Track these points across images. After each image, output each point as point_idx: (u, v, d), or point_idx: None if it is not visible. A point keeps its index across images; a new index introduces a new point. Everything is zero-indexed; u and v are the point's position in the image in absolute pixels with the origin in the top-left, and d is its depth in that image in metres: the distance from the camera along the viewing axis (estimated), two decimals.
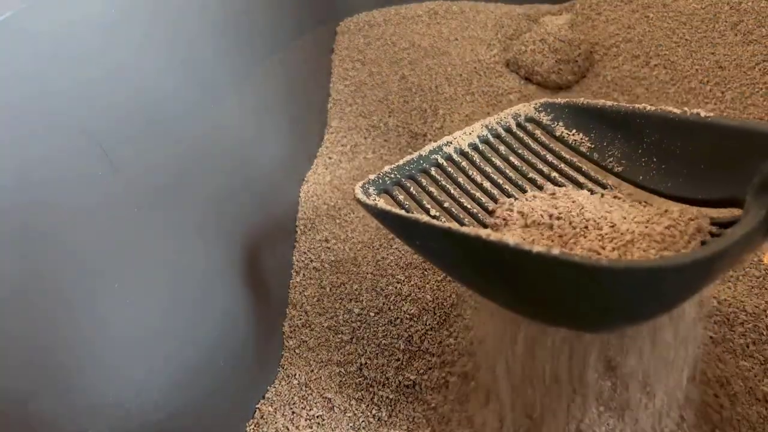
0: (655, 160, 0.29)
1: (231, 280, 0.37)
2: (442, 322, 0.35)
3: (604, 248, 0.24)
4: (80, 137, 0.29)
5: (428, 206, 0.30)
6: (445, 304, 0.36)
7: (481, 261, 0.22)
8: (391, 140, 0.51)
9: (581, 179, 0.31)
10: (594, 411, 0.29)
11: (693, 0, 0.53)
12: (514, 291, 0.23)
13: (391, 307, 0.36)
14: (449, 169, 0.32)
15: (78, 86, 0.29)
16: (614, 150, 0.31)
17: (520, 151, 0.33)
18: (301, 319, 0.39)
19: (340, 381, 0.36)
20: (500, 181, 0.31)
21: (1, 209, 0.25)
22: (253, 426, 0.34)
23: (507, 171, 0.32)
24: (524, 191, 0.30)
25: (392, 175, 0.31)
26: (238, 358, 0.36)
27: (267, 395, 0.35)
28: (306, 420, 0.34)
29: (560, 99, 0.34)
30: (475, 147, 0.33)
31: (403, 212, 0.26)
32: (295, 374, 0.36)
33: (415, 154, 0.32)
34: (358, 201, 0.28)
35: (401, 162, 0.32)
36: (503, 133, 0.34)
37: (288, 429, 0.34)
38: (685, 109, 0.27)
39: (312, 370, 0.37)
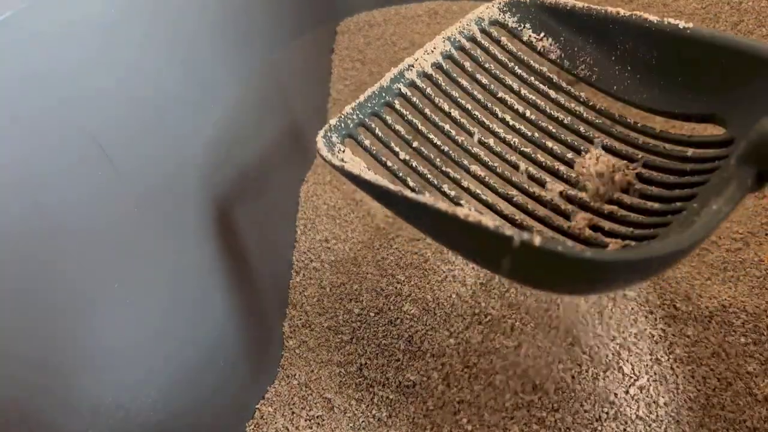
0: (629, 68, 0.27)
1: (231, 280, 0.37)
2: (442, 322, 0.35)
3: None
4: (80, 136, 0.29)
5: (397, 148, 0.29)
6: (445, 304, 0.36)
7: (458, 233, 0.21)
8: None
9: (552, 93, 0.29)
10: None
11: (693, 0, 0.53)
12: (491, 262, 0.22)
13: (391, 307, 0.36)
14: (414, 98, 0.30)
15: (77, 86, 0.29)
16: (586, 56, 0.29)
17: (487, 65, 0.31)
18: (301, 319, 0.39)
19: (340, 381, 0.36)
20: (469, 106, 0.29)
21: (2, 207, 0.25)
22: (252, 426, 0.34)
23: (475, 92, 0.30)
24: (496, 116, 0.29)
25: (354, 116, 0.29)
26: (237, 358, 0.36)
27: (267, 395, 0.35)
28: (306, 420, 0.34)
29: None
30: (438, 66, 0.31)
31: (371, 177, 0.24)
32: (295, 374, 0.36)
33: (376, 86, 0.30)
34: (323, 159, 0.26)
35: (362, 98, 0.30)
36: (467, 44, 0.31)
37: (288, 429, 0.34)
38: (664, 18, 0.26)
39: (312, 371, 0.37)
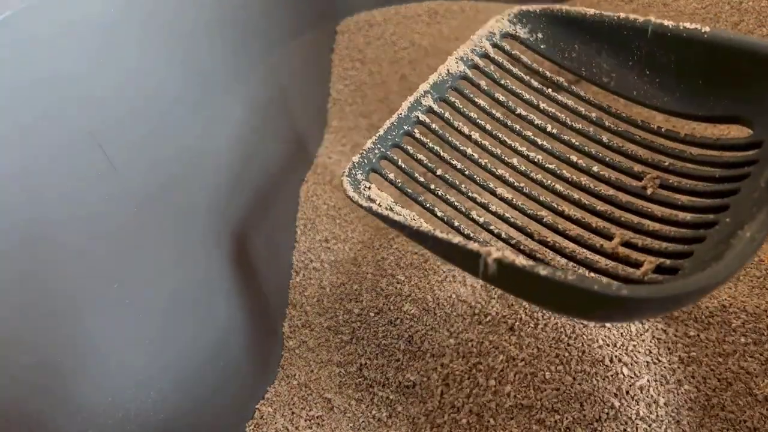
0: (647, 72, 0.27)
1: (231, 281, 0.37)
2: (442, 322, 0.35)
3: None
4: (80, 137, 0.29)
5: (421, 178, 0.29)
6: (445, 304, 0.36)
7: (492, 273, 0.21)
8: None
9: (571, 103, 0.29)
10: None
11: (693, 0, 0.53)
12: (519, 292, 0.23)
13: (391, 308, 0.36)
14: (433, 125, 0.29)
15: (77, 86, 0.29)
16: (602, 63, 0.29)
17: (503, 81, 0.30)
18: (301, 319, 0.39)
19: (340, 381, 0.36)
20: (489, 126, 0.29)
21: (0, 209, 0.25)
22: (252, 426, 0.34)
23: (494, 111, 0.29)
24: (518, 133, 0.29)
25: (376, 150, 0.29)
26: (238, 359, 0.36)
27: (267, 395, 0.35)
28: (306, 420, 0.34)
29: (535, 6, 0.31)
30: (455, 89, 0.31)
31: (400, 218, 0.24)
32: (295, 374, 0.36)
33: (394, 117, 0.30)
34: (351, 200, 0.26)
35: (381, 131, 0.29)
36: (481, 62, 0.31)
37: (288, 429, 0.34)
38: (680, 23, 0.26)
39: (312, 371, 0.37)
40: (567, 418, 0.28)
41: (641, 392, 0.28)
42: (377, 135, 0.29)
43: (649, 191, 0.25)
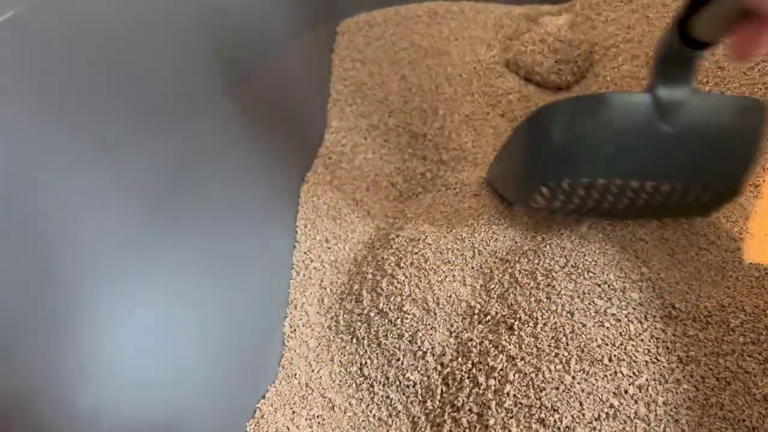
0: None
1: (231, 280, 0.37)
2: (442, 322, 0.35)
3: None
4: (80, 135, 0.29)
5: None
6: (445, 304, 0.36)
7: None
8: (391, 140, 0.51)
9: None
10: None
11: None
12: None
13: (392, 307, 0.37)
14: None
15: (78, 85, 0.29)
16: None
17: None
18: (301, 319, 0.39)
19: (341, 381, 0.36)
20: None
21: (3, 210, 0.25)
22: (253, 425, 0.34)
23: None
24: None
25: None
26: (238, 358, 0.36)
27: (267, 395, 0.35)
28: (306, 420, 0.34)
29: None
30: None
31: None
32: (296, 374, 0.36)
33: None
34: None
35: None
36: None
37: (288, 428, 0.34)
38: None
39: (313, 370, 0.37)
40: (566, 417, 0.29)
41: (640, 391, 0.29)
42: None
43: None
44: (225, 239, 0.38)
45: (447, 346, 0.35)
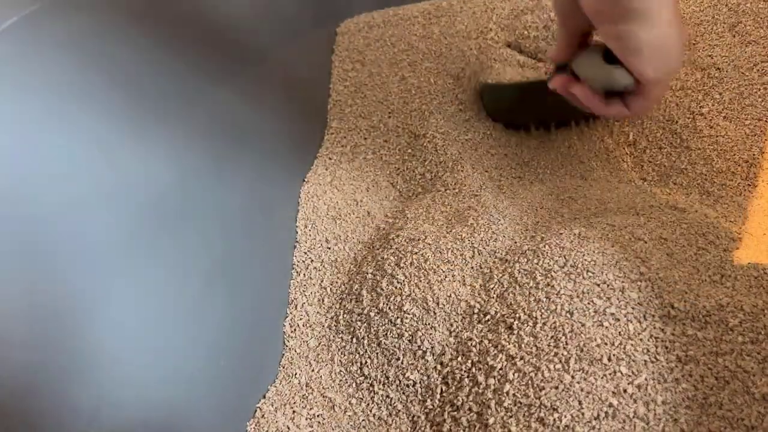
0: None
1: (232, 280, 0.38)
2: (442, 322, 0.36)
3: None
4: (81, 136, 0.29)
5: None
6: (445, 303, 0.36)
7: None
8: (390, 141, 0.51)
9: None
10: None
11: (692, 2, 0.53)
12: None
13: (391, 307, 0.37)
14: None
15: (79, 87, 0.29)
16: None
17: None
18: (301, 318, 0.39)
19: (341, 380, 0.36)
20: None
21: (5, 209, 0.25)
22: (253, 425, 0.34)
23: None
24: None
25: None
26: (238, 358, 0.36)
27: (268, 394, 0.35)
28: (306, 419, 0.34)
29: None
30: None
31: None
32: (296, 373, 0.37)
33: None
34: None
35: None
36: None
37: (288, 428, 0.34)
38: None
39: (313, 370, 0.37)
40: (566, 417, 0.29)
41: (639, 390, 0.29)
42: None
43: None
44: (225, 240, 0.38)
45: (447, 345, 0.35)
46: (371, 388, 0.35)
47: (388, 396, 0.35)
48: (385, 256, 0.39)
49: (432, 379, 0.34)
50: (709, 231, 0.37)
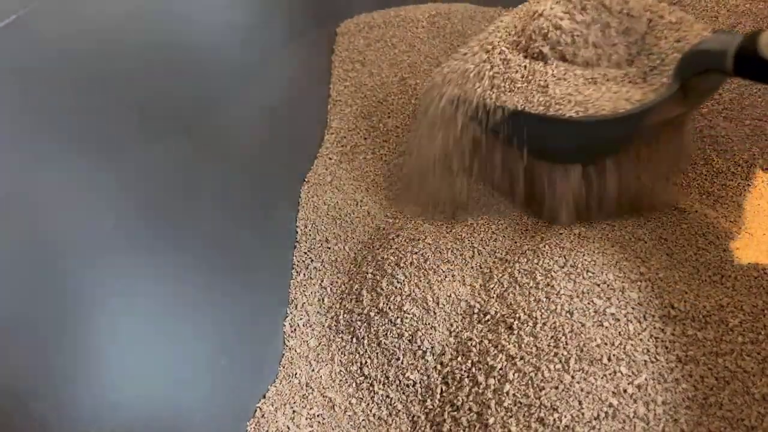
0: None
1: (232, 280, 0.38)
2: (442, 322, 0.36)
3: None
4: (82, 136, 0.29)
5: None
6: (445, 303, 0.36)
7: None
8: (390, 141, 0.51)
9: None
10: None
11: (691, 3, 0.53)
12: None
13: (391, 307, 0.37)
14: None
15: (79, 87, 0.29)
16: None
17: None
18: (302, 318, 0.39)
19: (341, 380, 0.36)
20: None
21: (5, 210, 0.25)
22: (253, 425, 0.34)
23: None
24: None
25: None
26: (238, 358, 0.36)
27: (268, 394, 0.35)
28: (307, 419, 0.34)
29: None
30: None
31: None
32: (296, 373, 0.37)
33: None
34: None
35: None
36: None
37: (288, 428, 0.34)
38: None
39: (313, 370, 0.37)
40: (566, 417, 0.29)
41: (639, 391, 0.29)
42: None
43: None
44: (225, 239, 0.38)
45: (447, 345, 0.35)
46: (371, 388, 0.35)
47: (388, 396, 0.35)
48: (385, 256, 0.40)
49: (432, 379, 0.34)
50: (709, 231, 0.37)
